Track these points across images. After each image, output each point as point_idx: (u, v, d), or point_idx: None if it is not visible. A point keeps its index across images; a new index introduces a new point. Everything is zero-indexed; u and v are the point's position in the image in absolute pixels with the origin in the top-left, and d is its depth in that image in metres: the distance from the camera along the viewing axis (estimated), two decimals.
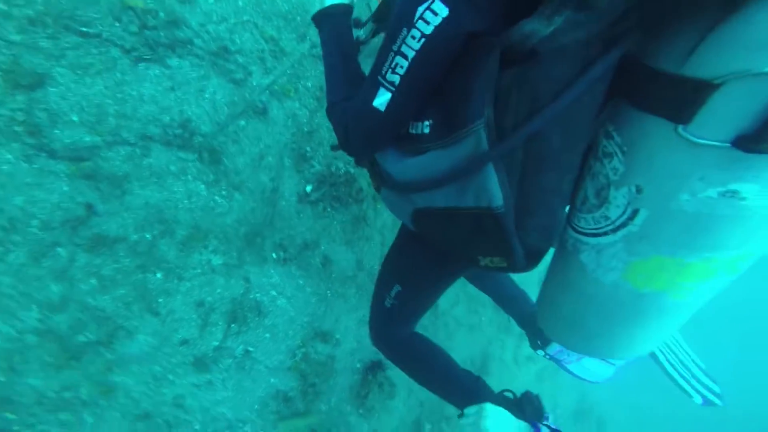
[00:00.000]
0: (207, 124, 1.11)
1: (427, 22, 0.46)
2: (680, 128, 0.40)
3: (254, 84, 1.24)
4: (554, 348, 1.06)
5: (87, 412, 0.79)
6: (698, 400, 1.03)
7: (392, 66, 0.50)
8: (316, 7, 0.79)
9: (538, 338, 1.12)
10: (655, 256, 0.47)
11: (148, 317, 0.89)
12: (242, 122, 1.19)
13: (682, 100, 0.40)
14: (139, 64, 1.01)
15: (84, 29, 0.94)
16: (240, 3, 1.31)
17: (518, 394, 0.83)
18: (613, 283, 0.51)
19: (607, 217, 0.50)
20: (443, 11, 0.45)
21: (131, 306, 0.87)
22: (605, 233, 0.50)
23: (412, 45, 0.48)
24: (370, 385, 1.40)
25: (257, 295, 1.11)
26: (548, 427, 0.77)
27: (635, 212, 0.47)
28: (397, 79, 0.50)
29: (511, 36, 0.42)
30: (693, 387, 1.05)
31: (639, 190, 0.46)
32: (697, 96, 0.38)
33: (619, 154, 0.48)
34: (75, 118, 0.87)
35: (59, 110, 0.84)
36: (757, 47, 0.34)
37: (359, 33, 0.90)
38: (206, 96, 1.13)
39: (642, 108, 0.45)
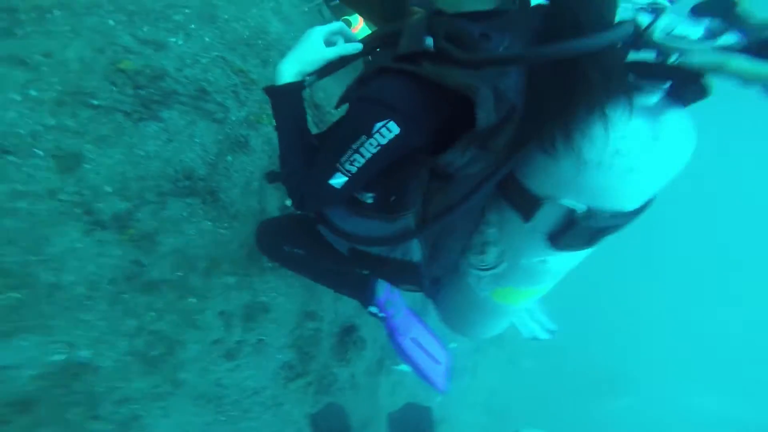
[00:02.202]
0: (202, 167, 1.38)
1: (383, 136, 0.64)
2: (528, 221, 0.75)
3: (233, 119, 1.49)
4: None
5: (170, 399, 1.21)
6: (527, 334, 1.36)
7: (350, 159, 0.68)
8: (273, 26, 1.02)
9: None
10: (508, 286, 0.93)
11: (191, 331, 1.27)
12: (229, 158, 1.47)
13: (528, 205, 0.73)
14: (140, 124, 1.24)
15: (93, 101, 1.13)
16: (207, 39, 1.48)
17: None
18: (484, 297, 0.97)
19: (484, 261, 0.91)
20: (396, 129, 0.63)
21: (179, 326, 1.24)
22: (482, 270, 0.93)
23: (369, 149, 0.66)
24: (347, 344, 1.97)
25: (262, 297, 1.53)
26: None
27: (500, 263, 0.88)
28: (353, 169, 0.69)
29: (437, 161, 0.67)
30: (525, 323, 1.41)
31: (503, 251, 0.86)
32: (534, 205, 0.71)
33: (494, 227, 0.86)
34: (109, 189, 1.11)
35: (97, 185, 1.08)
36: (557, 185, 0.68)
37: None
38: (197, 140, 1.38)
39: (508, 203, 0.79)
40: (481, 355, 3.86)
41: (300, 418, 1.71)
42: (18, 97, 1.00)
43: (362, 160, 0.68)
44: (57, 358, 0.95)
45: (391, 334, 1.43)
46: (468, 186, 0.73)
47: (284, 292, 1.64)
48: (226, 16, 1.61)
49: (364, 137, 0.65)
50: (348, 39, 0.83)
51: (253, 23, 1.67)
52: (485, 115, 0.59)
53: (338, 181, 0.71)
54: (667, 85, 0.61)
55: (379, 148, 0.65)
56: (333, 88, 1.97)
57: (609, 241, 0.80)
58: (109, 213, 1.11)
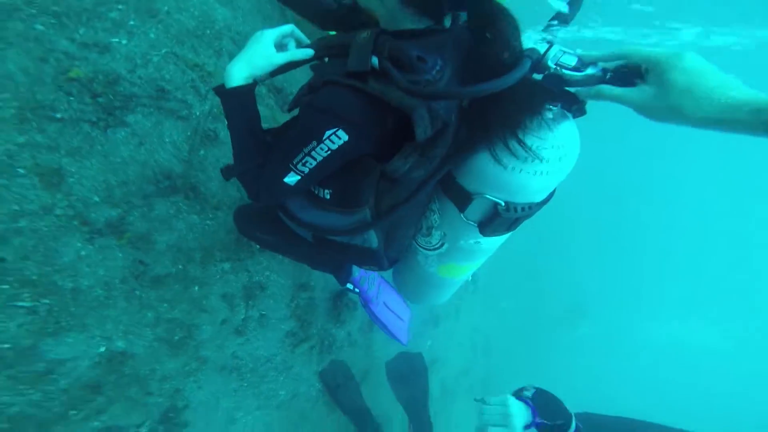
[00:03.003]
0: (178, 165, 1.46)
1: (333, 142, 0.71)
2: (461, 214, 0.94)
3: (198, 114, 1.56)
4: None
5: (199, 373, 1.37)
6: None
7: (303, 161, 0.75)
8: (219, 13, 1.09)
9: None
10: (450, 263, 1.12)
11: (202, 315, 1.42)
12: (202, 152, 1.55)
13: (462, 199, 0.90)
14: (108, 131, 1.29)
15: (55, 115, 1.17)
16: (152, 35, 1.50)
17: None
18: (431, 272, 1.19)
19: (430, 242, 1.10)
20: (344, 137, 0.70)
21: (190, 312, 1.37)
22: (428, 249, 1.13)
23: (320, 153, 0.73)
24: (340, 307, 2.19)
25: (257, 277, 1.68)
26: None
27: (443, 244, 1.06)
28: (305, 170, 0.77)
29: (386, 167, 0.77)
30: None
31: (444, 234, 1.04)
32: (466, 199, 0.89)
33: (437, 214, 1.04)
34: (97, 199, 1.18)
35: (85, 196, 1.15)
36: (483, 184, 0.85)
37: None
38: (167, 140, 1.45)
39: (447, 196, 0.95)
40: (461, 300, 4.28)
41: (309, 375, 1.94)
42: None
43: (314, 162, 0.76)
44: (101, 349, 1.09)
45: (365, 304, 1.63)
46: (412, 186, 0.87)
47: (276, 269, 1.80)
48: (167, 8, 1.60)
49: (314, 142, 0.72)
50: (299, 42, 0.88)
51: (197, 12, 1.68)
52: (422, 130, 0.70)
53: (292, 179, 0.79)
54: (559, 105, 0.78)
55: (329, 152, 0.73)
56: (294, 72, 2.04)
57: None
58: (102, 221, 1.20)
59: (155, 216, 1.35)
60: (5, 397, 0.95)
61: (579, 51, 0.70)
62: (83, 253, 1.12)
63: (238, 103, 0.82)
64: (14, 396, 0.97)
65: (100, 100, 1.30)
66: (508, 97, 0.69)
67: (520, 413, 1.23)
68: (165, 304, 1.30)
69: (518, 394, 1.27)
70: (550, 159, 0.80)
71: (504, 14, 0.66)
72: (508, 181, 0.83)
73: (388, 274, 1.60)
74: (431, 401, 2.43)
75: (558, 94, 0.74)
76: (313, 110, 0.73)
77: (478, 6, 0.67)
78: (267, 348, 1.73)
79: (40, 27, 1.25)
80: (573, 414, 1.25)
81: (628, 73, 0.66)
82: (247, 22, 1.82)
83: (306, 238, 1.12)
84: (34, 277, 1.00)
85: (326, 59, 0.85)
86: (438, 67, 0.68)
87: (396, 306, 1.80)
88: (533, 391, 1.29)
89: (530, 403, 1.24)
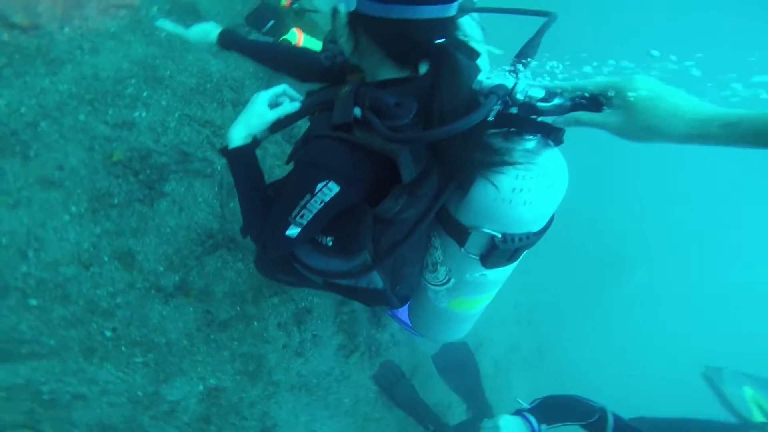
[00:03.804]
0: (214, 222, 1.79)
1: (325, 194, 0.81)
2: (462, 249, 0.99)
3: (219, 168, 1.88)
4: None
5: (277, 395, 1.72)
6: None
7: (300, 214, 0.86)
8: (213, 65, 1.36)
9: None
10: (460, 297, 1.17)
11: (266, 345, 1.76)
12: (231, 204, 1.87)
13: (460, 234, 0.95)
14: (153, 205, 1.62)
15: (113, 201, 1.50)
16: (163, 102, 1.81)
17: None
18: (443, 308, 1.24)
19: (437, 278, 1.14)
20: (335, 188, 0.81)
21: (256, 344, 1.72)
22: (437, 285, 1.17)
23: (314, 205, 0.83)
24: (378, 313, 2.54)
25: (302, 303, 2.02)
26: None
27: (449, 279, 1.10)
28: (304, 222, 0.87)
29: (377, 210, 0.85)
30: None
31: (450, 269, 1.08)
32: (465, 234, 0.94)
33: (440, 251, 1.08)
34: (162, 269, 1.52)
35: (152, 269, 1.48)
36: (476, 218, 0.91)
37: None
38: (200, 200, 1.78)
39: (446, 232, 1.01)
40: None
41: (365, 380, 2.28)
42: (67, 217, 1.37)
43: (310, 215, 0.85)
44: (200, 388, 1.42)
45: (400, 322, 1.78)
46: (407, 226, 0.95)
47: (316, 293, 2.13)
48: (168, 73, 1.91)
49: (308, 196, 0.83)
50: (292, 98, 0.99)
51: (194, 70, 1.98)
52: (407, 172, 0.80)
53: (293, 231, 0.90)
54: (538, 135, 0.85)
55: (322, 204, 0.83)
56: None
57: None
58: (171, 285, 1.53)
59: (208, 272, 1.68)
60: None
61: (545, 83, 0.78)
62: (164, 313, 1.44)
63: (240, 161, 0.95)
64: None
65: (140, 177, 1.63)
66: (460, 146, 0.79)
67: (512, 429, 1.43)
68: (235, 342, 1.64)
69: (517, 411, 1.48)
70: (537, 188, 0.86)
71: (457, 66, 0.78)
72: (500, 213, 0.90)
73: None
74: (486, 381, 2.76)
75: (533, 124, 0.83)
76: (304, 165, 0.86)
77: (435, 58, 0.80)
78: (325, 363, 2.07)
79: (82, 117, 1.58)
80: (604, 408, 1.41)
81: (592, 101, 0.75)
82: (239, 68, 2.11)
83: (318, 282, 1.25)
84: (138, 338, 1.32)
85: (316, 113, 0.96)
86: (414, 112, 0.78)
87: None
88: (538, 401, 1.51)
89: (527, 415, 1.46)
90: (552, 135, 0.86)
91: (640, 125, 0.67)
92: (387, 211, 0.88)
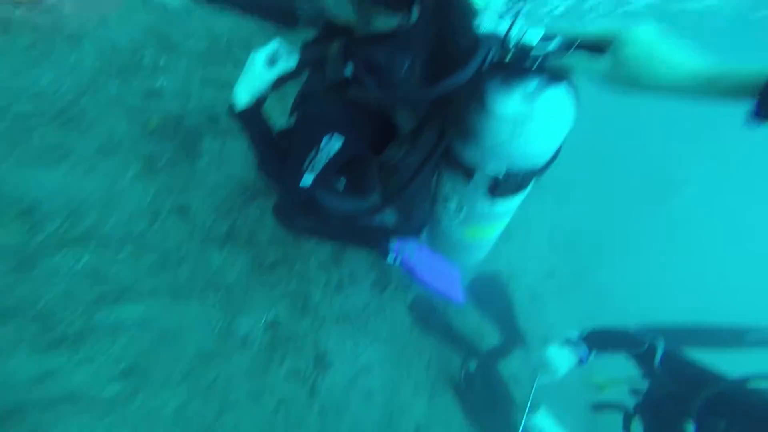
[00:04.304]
0: (250, 174, 2.03)
1: (330, 148, 0.94)
2: (470, 181, 1.12)
3: None
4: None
5: (323, 328, 2.04)
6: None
7: (311, 165, 0.99)
8: (219, 29, 1.52)
9: None
10: (473, 227, 1.34)
11: (310, 284, 2.04)
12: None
13: (466, 171, 1.09)
14: (194, 164, 1.88)
15: (158, 163, 1.76)
16: (181, 68, 1.98)
17: None
18: (458, 237, 1.44)
19: (449, 211, 1.31)
20: (339, 142, 0.93)
21: (301, 282, 2.03)
22: (449, 217, 1.34)
23: (322, 157, 0.97)
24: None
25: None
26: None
27: (461, 210, 1.27)
28: (315, 171, 1.01)
29: (382, 157, 1.00)
30: None
31: (460, 202, 1.24)
32: (469, 172, 1.09)
33: (449, 185, 1.22)
34: (213, 218, 1.82)
35: (205, 220, 1.78)
36: (478, 159, 1.04)
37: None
38: (234, 156, 2.00)
39: (452, 170, 1.15)
40: (528, 207, 4.65)
41: (401, 311, 2.62)
42: (127, 180, 1.59)
43: (320, 164, 0.98)
44: (262, 322, 1.75)
45: (410, 273, 1.80)
46: (412, 170, 1.06)
47: None
48: (179, 39, 2.08)
49: (315, 150, 0.95)
50: (288, 52, 1.02)
51: (202, 33, 2.11)
52: (404, 124, 0.90)
53: (308, 180, 1.03)
54: (537, 77, 0.88)
55: (329, 155, 0.95)
56: None
57: None
58: (223, 232, 1.76)
59: (251, 220, 1.95)
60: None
61: (540, 28, 0.82)
62: (222, 258, 1.72)
63: (250, 122, 1.04)
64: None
65: (177, 140, 1.88)
66: (464, 92, 0.86)
67: (559, 357, 1.60)
68: (283, 282, 1.95)
69: (564, 341, 1.64)
70: (538, 127, 0.92)
71: (451, 10, 0.80)
72: (502, 153, 0.98)
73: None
74: (521, 309, 3.05)
75: (530, 69, 0.86)
76: (306, 122, 0.97)
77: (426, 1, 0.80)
78: (362, 297, 2.39)
79: (114, 91, 1.80)
80: (655, 339, 1.54)
81: (587, 47, 0.78)
82: (243, 26, 2.25)
83: (334, 224, 1.44)
84: (207, 282, 1.58)
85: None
86: (407, 66, 0.83)
87: (442, 267, 1.93)
88: (587, 331, 1.65)
89: (575, 343, 1.60)
90: (552, 76, 0.90)
91: (628, 76, 0.70)
92: (390, 158, 1.00)
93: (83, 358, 1.28)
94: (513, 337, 2.85)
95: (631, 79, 0.70)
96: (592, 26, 0.77)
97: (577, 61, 0.79)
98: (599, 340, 1.67)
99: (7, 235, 1.24)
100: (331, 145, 0.94)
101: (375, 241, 1.66)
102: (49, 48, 1.69)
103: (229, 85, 2.09)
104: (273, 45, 1.02)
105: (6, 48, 1.52)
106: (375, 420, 2.09)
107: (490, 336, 3.11)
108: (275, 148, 1.09)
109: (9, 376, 1.15)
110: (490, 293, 3.06)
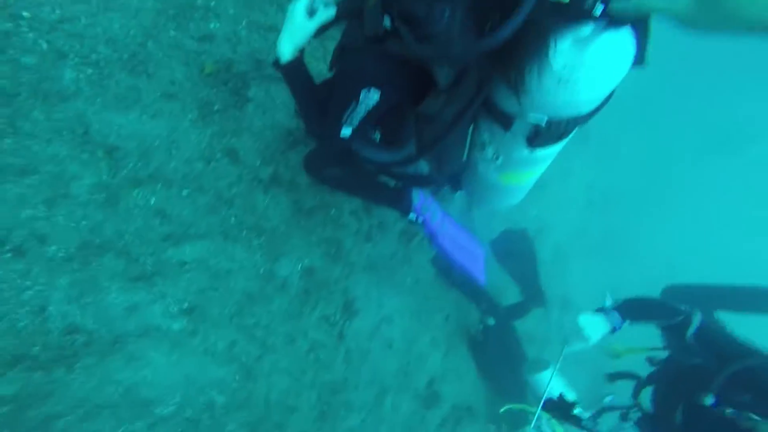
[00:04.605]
0: (292, 121, 2.19)
1: (368, 101, 1.02)
2: (508, 132, 1.20)
3: None
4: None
5: (353, 275, 2.32)
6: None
7: (350, 118, 1.07)
8: None
9: None
10: (510, 172, 1.42)
11: (342, 230, 2.24)
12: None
13: (504, 121, 1.17)
14: (242, 109, 2.04)
15: (214, 107, 1.95)
16: (231, 11, 2.08)
17: None
18: (494, 181, 1.50)
19: (486, 156, 1.39)
20: (376, 95, 1.00)
21: (335, 229, 2.24)
22: (486, 162, 1.43)
23: (361, 109, 1.04)
24: None
25: None
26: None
27: (498, 156, 1.35)
28: (355, 122, 1.09)
29: (420, 109, 1.06)
30: None
31: (497, 148, 1.33)
32: (508, 121, 1.16)
33: (487, 133, 1.31)
34: (258, 162, 2.03)
35: (251, 162, 2.00)
36: (523, 104, 1.05)
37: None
38: (278, 102, 2.15)
39: (491, 118, 1.21)
40: (570, 159, 4.55)
41: (425, 263, 2.79)
42: (187, 123, 1.77)
43: (359, 117, 1.06)
44: (299, 267, 2.04)
45: (432, 236, 1.86)
46: (448, 121, 1.11)
47: None
48: None
49: (354, 102, 1.02)
50: (326, 3, 1.05)
51: None
52: (443, 77, 0.92)
53: (347, 131, 1.12)
54: (593, 22, 0.86)
55: (368, 108, 1.03)
56: None
57: None
58: (267, 177, 1.94)
59: (292, 165, 2.13)
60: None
61: None
62: (266, 202, 1.91)
63: (294, 74, 1.13)
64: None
65: (229, 85, 2.04)
66: (521, 35, 0.82)
67: (592, 325, 1.61)
68: (319, 227, 2.12)
69: (599, 309, 1.68)
70: (587, 75, 0.92)
71: None
72: (545, 100, 1.00)
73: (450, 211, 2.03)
74: (543, 266, 3.16)
75: (586, 13, 0.85)
76: (344, 77, 1.04)
77: None
78: (389, 247, 2.60)
79: (173, 33, 1.95)
80: (691, 310, 1.56)
81: None
82: None
83: (369, 169, 1.51)
84: (252, 224, 1.84)
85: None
86: (446, 17, 0.82)
87: (466, 243, 1.99)
88: (621, 300, 1.68)
89: (609, 312, 1.63)
90: (613, 20, 0.86)
91: (723, 11, 0.62)
92: (428, 109, 1.05)
93: (157, 294, 1.59)
94: (533, 296, 3.02)
95: (722, 18, 0.63)
96: None
97: (652, 1, 0.73)
98: (634, 310, 1.71)
99: (98, 172, 1.50)
100: (369, 98, 1.01)
101: (398, 198, 1.72)
102: None
103: (273, 29, 2.23)
104: None
105: None
106: (392, 369, 2.40)
107: (510, 292, 3.28)
108: (316, 100, 1.17)
109: (110, 310, 1.47)
110: (516, 250, 3.18)
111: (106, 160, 1.51)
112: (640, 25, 0.93)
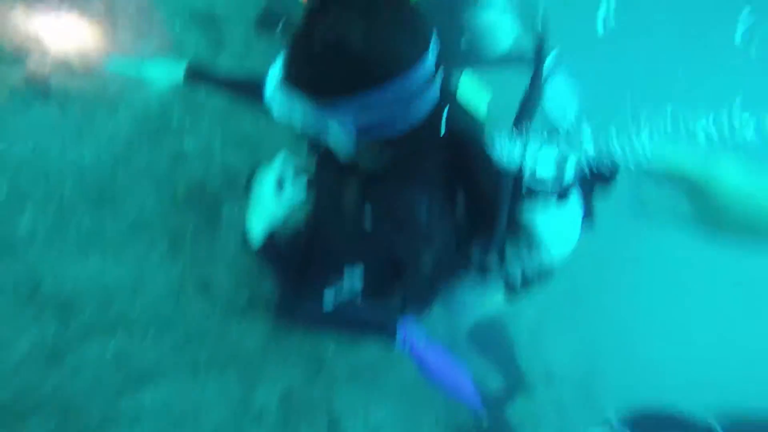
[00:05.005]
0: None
1: (353, 280, 0.93)
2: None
3: None
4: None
5: None
6: None
7: (334, 296, 0.96)
8: None
9: None
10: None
11: None
12: None
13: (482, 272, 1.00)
14: (215, 231, 1.97)
15: (187, 233, 1.85)
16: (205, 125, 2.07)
17: None
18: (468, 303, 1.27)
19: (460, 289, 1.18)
20: (360, 271, 0.91)
21: None
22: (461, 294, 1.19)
23: (345, 290, 0.95)
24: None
25: None
26: None
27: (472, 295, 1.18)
28: (338, 300, 0.97)
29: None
30: None
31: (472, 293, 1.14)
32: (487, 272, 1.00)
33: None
34: (233, 289, 1.91)
35: (222, 288, 1.88)
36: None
37: None
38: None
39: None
40: None
41: (409, 365, 2.73)
42: (156, 257, 1.72)
43: (343, 297, 0.99)
44: (278, 391, 1.89)
45: (420, 365, 1.80)
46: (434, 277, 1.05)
47: None
48: (203, 97, 2.19)
49: (336, 281, 0.97)
50: (295, 171, 0.99)
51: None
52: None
53: (329, 305, 1.02)
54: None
55: (352, 290, 0.98)
56: None
57: None
58: (243, 302, 1.88)
59: (268, 286, 2.08)
60: None
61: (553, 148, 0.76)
62: (241, 330, 1.80)
63: (267, 259, 1.06)
64: None
65: (201, 208, 1.90)
66: None
67: None
68: (296, 346, 2.02)
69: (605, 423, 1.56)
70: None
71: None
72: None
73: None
74: (521, 346, 3.00)
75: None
76: (323, 255, 1.01)
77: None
78: (372, 353, 2.45)
79: (145, 156, 1.82)
80: (711, 424, 1.42)
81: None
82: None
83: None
84: (227, 356, 1.71)
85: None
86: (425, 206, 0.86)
87: (454, 370, 1.89)
88: (630, 414, 1.54)
89: (616, 427, 1.52)
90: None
91: (721, 220, 0.66)
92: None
93: None
94: (515, 380, 2.95)
95: (728, 224, 0.66)
96: (676, 165, 0.71)
97: (657, 201, 0.77)
98: (646, 424, 1.62)
99: (43, 329, 1.34)
100: (354, 277, 0.91)
101: (382, 328, 1.66)
102: (91, 113, 1.75)
103: (247, 142, 2.21)
104: (278, 163, 1.00)
105: (59, 121, 1.60)
106: None
107: (492, 379, 3.18)
108: (297, 274, 1.06)
109: None
110: (491, 337, 3.15)
111: (55, 315, 1.38)
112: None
